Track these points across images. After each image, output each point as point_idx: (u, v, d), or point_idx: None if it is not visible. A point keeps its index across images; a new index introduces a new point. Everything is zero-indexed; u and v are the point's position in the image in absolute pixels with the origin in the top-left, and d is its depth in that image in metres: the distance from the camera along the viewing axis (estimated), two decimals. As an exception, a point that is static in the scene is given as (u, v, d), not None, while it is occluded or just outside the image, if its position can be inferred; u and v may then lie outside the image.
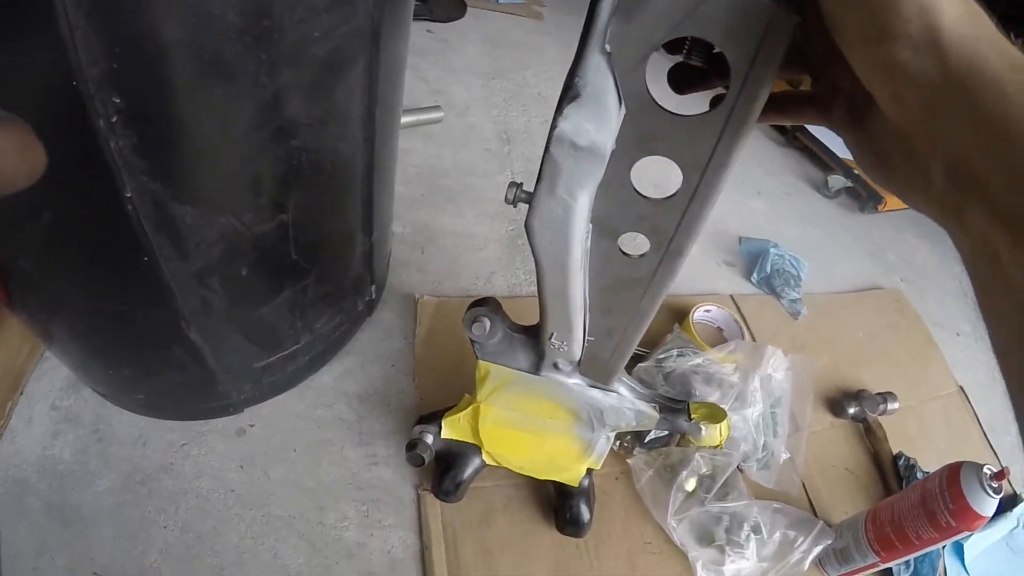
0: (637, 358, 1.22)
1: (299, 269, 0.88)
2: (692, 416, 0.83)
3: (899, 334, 1.64)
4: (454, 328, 1.25)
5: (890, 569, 1.09)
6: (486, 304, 0.78)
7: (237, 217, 0.72)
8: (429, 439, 0.92)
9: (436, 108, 1.70)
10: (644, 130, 0.50)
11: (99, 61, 0.49)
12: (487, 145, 1.74)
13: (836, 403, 1.38)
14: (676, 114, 0.48)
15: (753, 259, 1.67)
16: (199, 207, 0.67)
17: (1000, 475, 0.89)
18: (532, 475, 0.97)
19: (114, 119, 0.54)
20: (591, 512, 0.99)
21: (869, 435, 1.34)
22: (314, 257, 0.89)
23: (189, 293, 0.77)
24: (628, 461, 1.12)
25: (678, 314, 1.39)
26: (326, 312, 1.03)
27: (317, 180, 0.79)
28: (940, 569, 1.16)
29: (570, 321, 0.69)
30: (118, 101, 0.53)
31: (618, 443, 1.13)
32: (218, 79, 0.57)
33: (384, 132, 0.89)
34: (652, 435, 1.12)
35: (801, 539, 1.04)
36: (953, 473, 0.93)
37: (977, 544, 1.22)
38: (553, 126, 0.49)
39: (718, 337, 1.40)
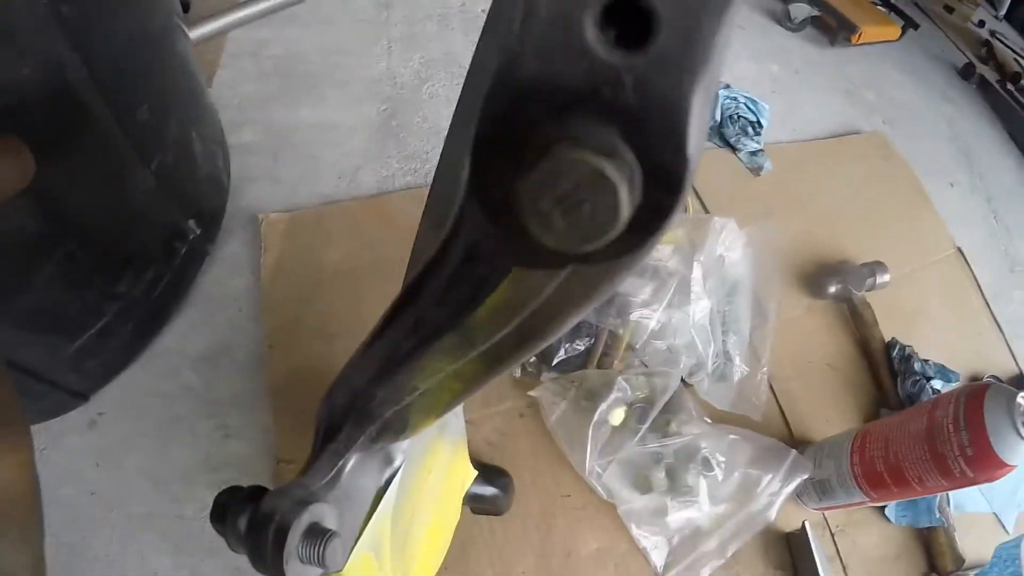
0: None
1: (47, 237, 0.74)
2: None
3: (885, 188, 1.48)
4: (310, 246, 1.09)
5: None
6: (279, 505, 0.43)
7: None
8: None
9: (296, -14, 1.44)
10: None
11: None
12: (360, 15, 1.50)
13: (813, 280, 1.21)
14: None
15: (698, 105, 1.42)
16: None
17: None
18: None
19: None
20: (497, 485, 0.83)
21: (855, 318, 1.18)
22: (62, 217, 0.75)
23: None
24: (532, 393, 0.93)
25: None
26: (125, 272, 0.88)
27: (13, 123, 0.61)
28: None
29: None
30: None
31: (519, 370, 0.94)
32: None
33: (109, 31, 0.72)
34: (562, 353, 0.92)
35: (768, 477, 0.88)
36: (973, 404, 0.73)
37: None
38: None
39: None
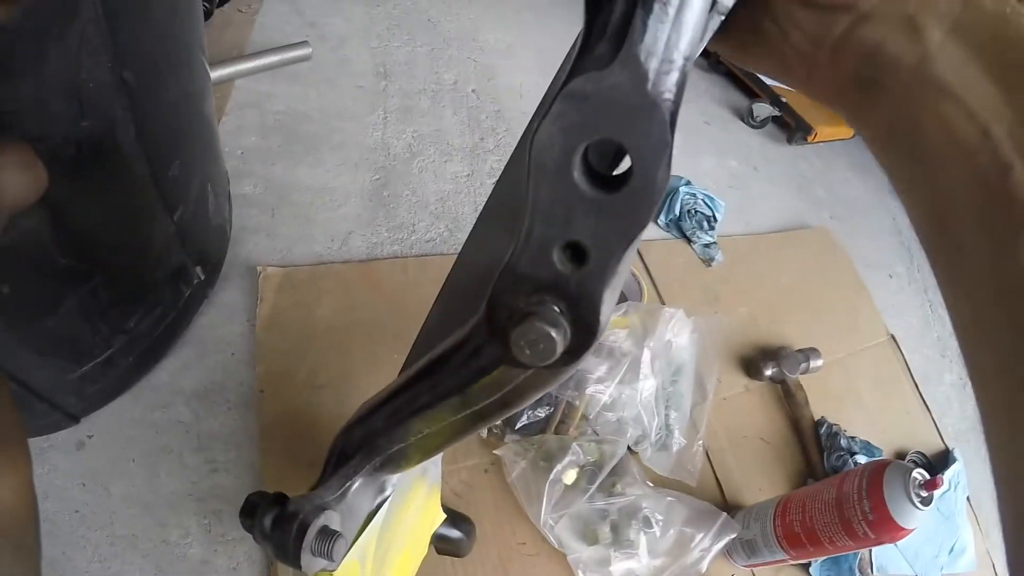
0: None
1: (77, 272, 0.78)
2: None
3: (827, 278, 1.58)
4: (303, 302, 1.13)
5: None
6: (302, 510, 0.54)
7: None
8: None
9: (302, 44, 1.52)
10: None
11: None
12: (360, 81, 1.58)
13: (752, 363, 1.29)
14: None
15: (660, 198, 1.53)
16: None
17: (932, 484, 0.81)
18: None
19: None
20: (461, 530, 0.87)
21: (788, 399, 1.27)
22: (93, 255, 0.79)
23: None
24: (496, 452, 1.01)
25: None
26: (136, 309, 0.93)
27: (65, 170, 0.67)
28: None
29: None
30: None
31: (486, 431, 1.02)
32: None
33: (158, 96, 0.77)
34: (525, 419, 1.01)
35: (700, 535, 0.96)
36: (875, 477, 0.85)
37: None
38: None
39: (613, 295, 1.28)
